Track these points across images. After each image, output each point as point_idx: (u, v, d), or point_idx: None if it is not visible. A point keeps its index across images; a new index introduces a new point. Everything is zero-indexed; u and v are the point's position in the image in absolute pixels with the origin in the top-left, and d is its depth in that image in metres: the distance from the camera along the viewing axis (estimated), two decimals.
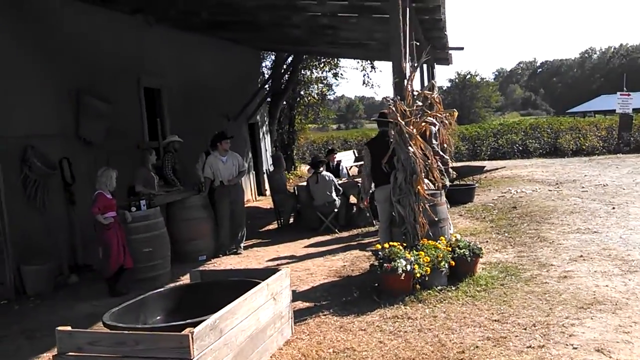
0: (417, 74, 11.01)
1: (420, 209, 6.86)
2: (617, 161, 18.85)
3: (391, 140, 7.11)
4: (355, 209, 11.37)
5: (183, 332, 3.79)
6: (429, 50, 11.48)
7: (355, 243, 9.72)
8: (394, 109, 6.55)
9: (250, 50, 16.97)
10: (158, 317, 5.29)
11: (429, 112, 6.94)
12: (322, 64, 20.58)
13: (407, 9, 7.41)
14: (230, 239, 9.64)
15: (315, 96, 21.86)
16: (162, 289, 5.62)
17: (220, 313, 4.23)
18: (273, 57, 20.42)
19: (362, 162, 17.59)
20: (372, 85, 22.05)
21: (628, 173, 15.31)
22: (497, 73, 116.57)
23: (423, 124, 6.88)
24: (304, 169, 20.72)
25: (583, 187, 13.40)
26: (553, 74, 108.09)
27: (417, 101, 6.89)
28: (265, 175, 17.78)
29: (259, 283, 5.18)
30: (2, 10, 8.28)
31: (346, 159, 18.26)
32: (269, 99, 18.45)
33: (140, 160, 9.85)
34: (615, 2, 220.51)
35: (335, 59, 20.48)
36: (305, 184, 11.47)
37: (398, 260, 6.24)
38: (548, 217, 10.09)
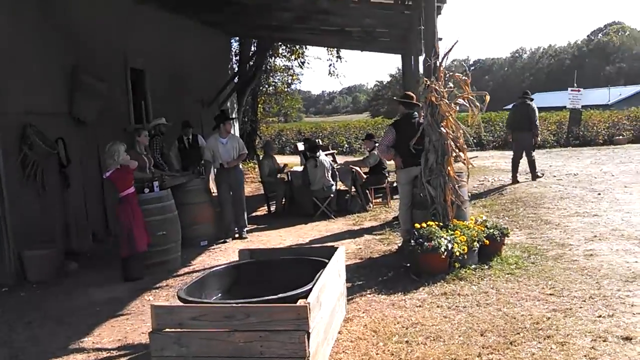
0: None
1: (450, 190, 6.94)
2: (574, 153, 19.61)
3: (420, 121, 7.15)
4: (347, 195, 11.36)
5: (299, 304, 3.68)
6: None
7: (357, 228, 9.71)
8: (433, 87, 6.59)
9: (222, 36, 16.64)
10: (219, 295, 5.11)
11: (459, 94, 7.00)
12: (290, 53, 20.40)
13: None
14: (233, 223, 9.44)
15: (282, 85, 21.65)
16: (218, 267, 5.42)
17: (318, 286, 4.13)
18: (237, 45, 20.06)
19: (330, 152, 17.75)
20: (337, 75, 22.27)
21: (591, 163, 15.95)
22: None
23: (453, 105, 6.93)
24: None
25: (555, 176, 13.87)
26: (485, 72, 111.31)
27: (449, 83, 6.95)
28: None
29: (316, 260, 5.12)
30: None
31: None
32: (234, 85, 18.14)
33: (130, 143, 9.48)
34: (544, 5, 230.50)
35: (303, 48, 20.33)
36: (299, 169, 11.39)
37: (439, 239, 6.28)
38: (540, 202, 10.40)
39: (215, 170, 9.46)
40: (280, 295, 4.06)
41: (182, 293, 4.45)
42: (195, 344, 3.77)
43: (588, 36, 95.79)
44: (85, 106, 9.08)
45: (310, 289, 4.12)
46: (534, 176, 13.00)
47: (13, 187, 7.69)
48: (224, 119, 9.40)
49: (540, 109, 37.04)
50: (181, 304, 4.29)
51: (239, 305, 3.77)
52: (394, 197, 11.74)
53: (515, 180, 12.89)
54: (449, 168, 6.92)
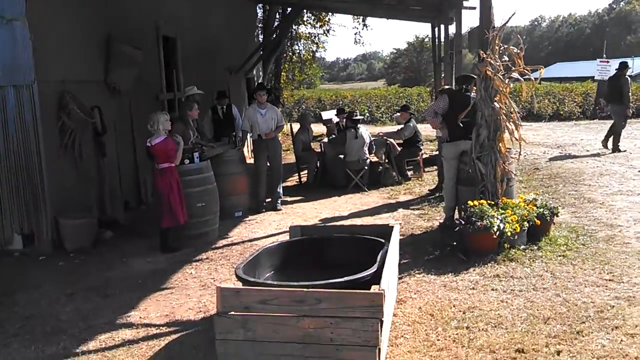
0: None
1: (501, 167, 6.74)
2: (603, 126, 19.16)
3: (472, 95, 6.93)
4: (380, 167, 11.16)
5: (374, 290, 3.55)
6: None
7: (393, 201, 9.54)
8: (489, 60, 6.35)
9: (248, 3, 16.31)
10: (272, 273, 5.00)
11: (514, 67, 6.74)
12: (315, 20, 20.02)
13: None
14: (267, 194, 9.33)
15: (306, 53, 21.31)
16: (272, 245, 5.28)
17: (387, 270, 4.00)
18: (261, 12, 19.69)
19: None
20: (363, 43, 22.21)
21: (624, 138, 15.57)
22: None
23: (507, 80, 6.68)
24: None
25: (588, 150, 13.63)
26: (503, 41, 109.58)
27: (503, 56, 6.70)
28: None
29: (372, 240, 5.00)
30: None
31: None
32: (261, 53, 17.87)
33: (179, 114, 9.33)
34: None
35: (328, 16, 19.92)
36: (328, 138, 11.22)
37: (491, 219, 6.11)
38: (579, 178, 10.18)
39: (252, 140, 9.29)
40: (346, 278, 3.94)
41: (241, 272, 4.33)
42: (261, 329, 3.66)
43: (609, 5, 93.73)
44: (120, 74, 8.90)
45: (376, 272, 4.00)
46: (615, 148, 13.11)
47: (51, 155, 7.59)
48: (257, 90, 9.21)
49: (564, 79, 36.28)
50: (242, 285, 4.18)
51: (310, 289, 3.63)
52: (426, 170, 11.58)
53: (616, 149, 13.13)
54: (500, 144, 6.72)
